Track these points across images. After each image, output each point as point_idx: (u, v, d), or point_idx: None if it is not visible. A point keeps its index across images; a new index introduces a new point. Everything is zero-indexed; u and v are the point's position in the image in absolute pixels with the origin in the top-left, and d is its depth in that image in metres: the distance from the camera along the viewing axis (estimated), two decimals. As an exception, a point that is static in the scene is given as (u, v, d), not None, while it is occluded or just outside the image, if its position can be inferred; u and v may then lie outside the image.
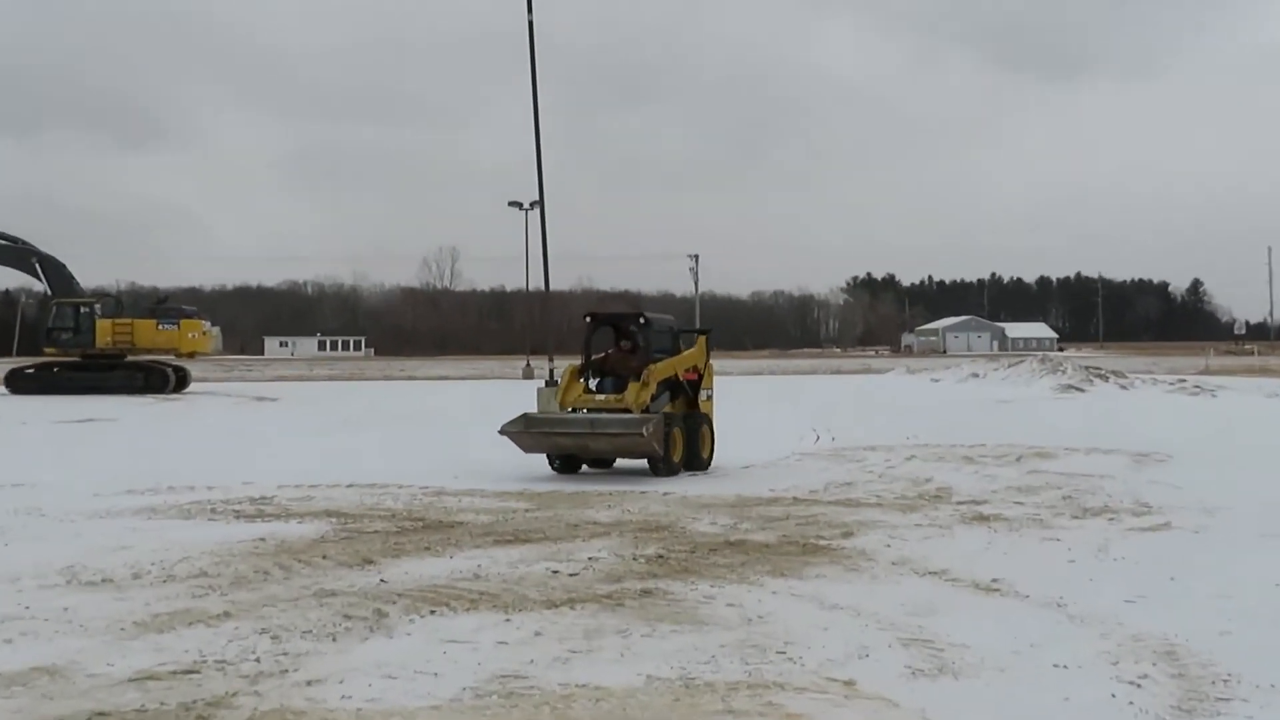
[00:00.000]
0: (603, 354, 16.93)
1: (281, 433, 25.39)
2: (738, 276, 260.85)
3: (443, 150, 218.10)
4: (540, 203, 30.04)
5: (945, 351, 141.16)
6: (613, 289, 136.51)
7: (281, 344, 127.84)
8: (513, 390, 39.14)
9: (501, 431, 16.20)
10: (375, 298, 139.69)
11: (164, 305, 47.29)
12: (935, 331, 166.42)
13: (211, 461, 18.10)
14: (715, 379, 18.06)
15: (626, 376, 16.26)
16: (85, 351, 43.59)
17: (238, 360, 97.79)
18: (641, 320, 16.81)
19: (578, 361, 16.87)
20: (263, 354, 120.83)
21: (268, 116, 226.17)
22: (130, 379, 43.16)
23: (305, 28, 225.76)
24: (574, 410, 16.25)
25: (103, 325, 43.40)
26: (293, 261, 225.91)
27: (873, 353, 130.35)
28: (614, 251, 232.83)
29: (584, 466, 16.47)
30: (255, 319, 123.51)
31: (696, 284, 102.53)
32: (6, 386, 43.40)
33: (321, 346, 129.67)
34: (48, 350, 44.66)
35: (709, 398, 17.41)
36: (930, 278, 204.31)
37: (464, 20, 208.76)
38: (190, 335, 44.03)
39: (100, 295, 47.86)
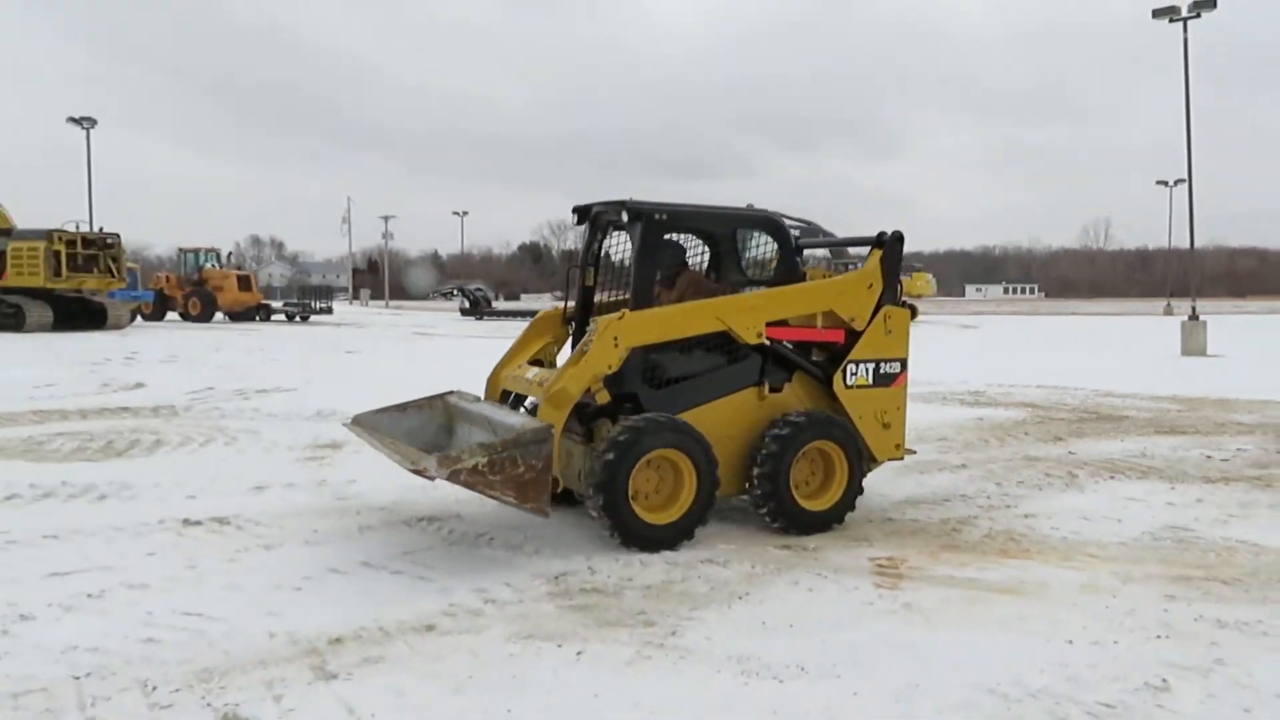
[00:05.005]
0: (648, 283, 8.12)
1: (982, 349, 31.46)
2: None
3: (1098, 135, 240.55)
4: (1189, 180, 34.17)
5: None
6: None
7: (977, 289, 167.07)
8: (1152, 323, 40.54)
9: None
10: (1045, 255, 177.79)
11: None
12: None
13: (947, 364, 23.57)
14: None
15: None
16: None
17: (946, 300, 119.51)
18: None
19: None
20: (963, 295, 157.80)
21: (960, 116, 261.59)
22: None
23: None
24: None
25: None
26: (983, 228, 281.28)
27: None
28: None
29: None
30: (957, 270, 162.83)
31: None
32: None
33: (1005, 291, 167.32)
34: None
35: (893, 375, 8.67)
36: None
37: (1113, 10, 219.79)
38: (919, 283, 61.88)
39: None
